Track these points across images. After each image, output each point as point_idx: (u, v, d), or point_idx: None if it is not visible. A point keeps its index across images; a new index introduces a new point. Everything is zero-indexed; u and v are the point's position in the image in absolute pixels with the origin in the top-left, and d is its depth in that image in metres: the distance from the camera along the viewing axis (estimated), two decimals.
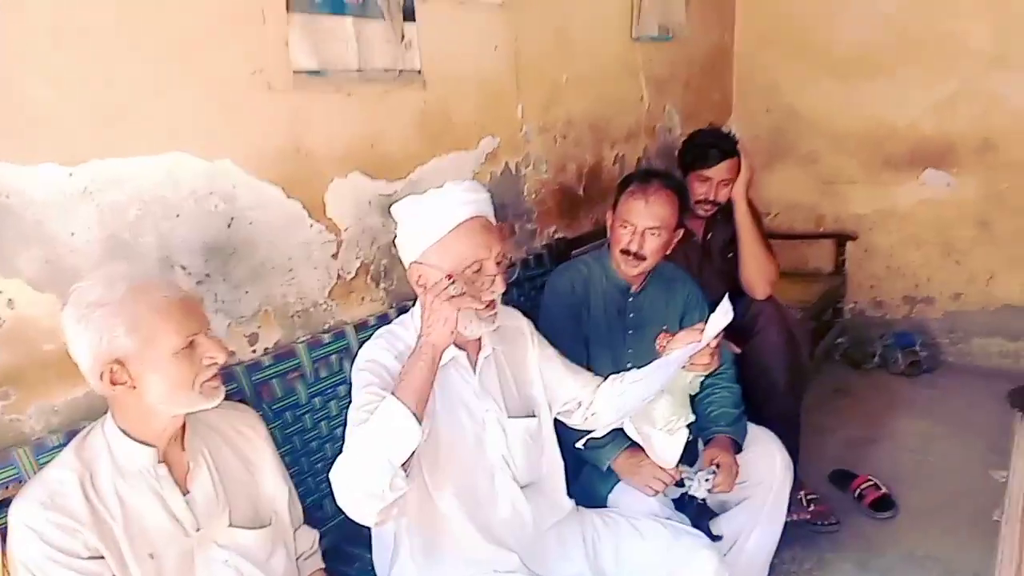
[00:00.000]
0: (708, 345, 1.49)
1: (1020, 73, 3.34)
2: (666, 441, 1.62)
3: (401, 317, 1.54)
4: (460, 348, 1.49)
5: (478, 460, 1.49)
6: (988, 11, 3.35)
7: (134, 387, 1.15)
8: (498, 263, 1.41)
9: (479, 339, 1.50)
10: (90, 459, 1.18)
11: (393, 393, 1.26)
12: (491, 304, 1.42)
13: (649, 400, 1.56)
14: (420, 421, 1.23)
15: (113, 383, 1.14)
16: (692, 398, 1.90)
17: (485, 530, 1.48)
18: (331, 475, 1.24)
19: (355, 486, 1.21)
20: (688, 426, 1.65)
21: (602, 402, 1.61)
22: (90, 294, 1.13)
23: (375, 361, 1.41)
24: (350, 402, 1.36)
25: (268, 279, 1.69)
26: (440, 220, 1.39)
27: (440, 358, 1.33)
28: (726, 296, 1.47)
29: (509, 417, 1.52)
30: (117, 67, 1.37)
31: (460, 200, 1.41)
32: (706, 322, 1.48)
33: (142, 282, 1.17)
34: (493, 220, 1.48)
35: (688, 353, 1.48)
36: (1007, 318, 3.61)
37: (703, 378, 1.68)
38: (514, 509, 1.52)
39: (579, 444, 1.69)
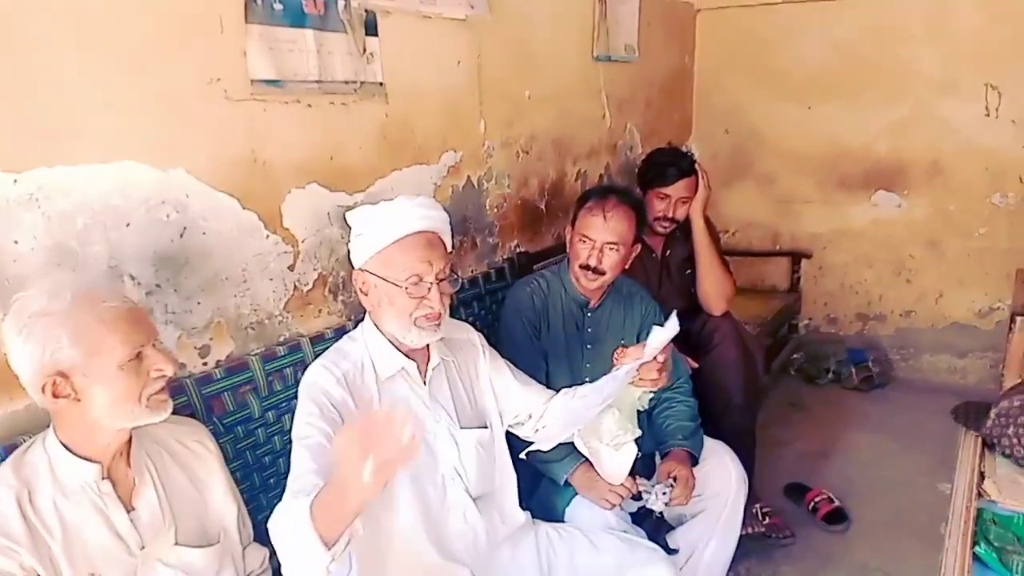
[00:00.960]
0: (656, 360, 1.50)
1: (966, 100, 3.47)
2: (613, 456, 1.63)
3: (352, 332, 1.53)
4: (410, 358, 1.48)
5: (430, 471, 1.48)
6: (936, 39, 3.47)
7: (78, 400, 1.12)
8: (439, 279, 1.41)
9: (428, 350, 1.50)
10: (29, 475, 1.14)
11: (312, 504, 1.12)
12: (432, 315, 1.42)
13: (596, 415, 1.56)
14: (344, 539, 1.13)
15: (56, 396, 1.10)
16: (647, 414, 1.91)
17: (437, 543, 1.47)
18: (269, 532, 1.17)
19: (292, 558, 1.14)
20: (637, 441, 1.65)
21: (552, 415, 1.62)
22: (33, 304, 1.10)
23: (316, 385, 1.40)
24: None
25: (221, 290, 1.66)
26: (387, 230, 1.40)
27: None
28: (674, 312, 1.48)
29: (461, 428, 1.52)
30: (66, 74, 1.34)
31: (411, 214, 1.42)
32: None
33: (88, 292, 1.14)
34: (447, 239, 1.48)
35: (634, 368, 1.49)
36: (955, 335, 3.72)
37: (652, 394, 1.69)
38: (466, 521, 1.51)
39: (523, 454, 1.68)
